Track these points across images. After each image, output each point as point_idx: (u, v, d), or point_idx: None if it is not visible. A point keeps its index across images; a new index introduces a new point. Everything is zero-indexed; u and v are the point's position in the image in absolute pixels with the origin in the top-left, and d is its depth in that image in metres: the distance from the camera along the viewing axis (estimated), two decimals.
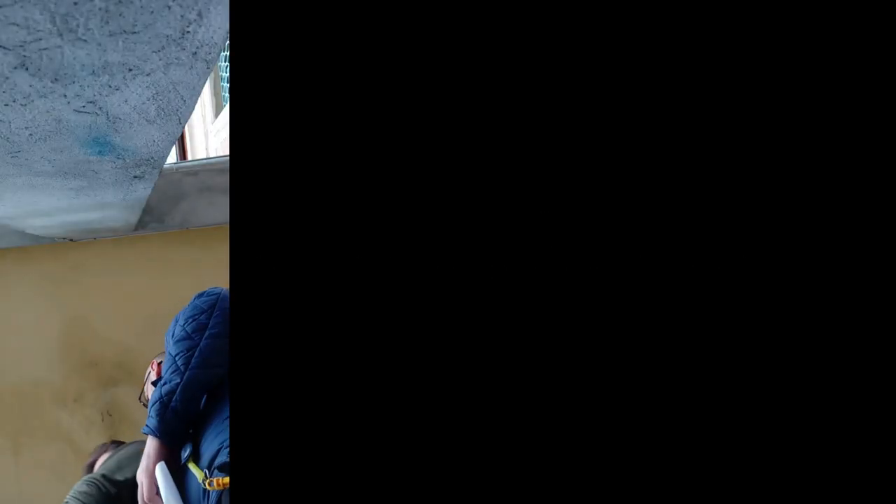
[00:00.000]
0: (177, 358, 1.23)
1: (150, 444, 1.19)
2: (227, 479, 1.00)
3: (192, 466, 1.11)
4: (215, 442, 1.12)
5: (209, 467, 1.07)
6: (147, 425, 1.20)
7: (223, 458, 1.07)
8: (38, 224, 1.49)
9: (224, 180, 2.05)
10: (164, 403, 1.19)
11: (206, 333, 1.23)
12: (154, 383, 1.30)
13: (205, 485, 1.03)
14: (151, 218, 2.04)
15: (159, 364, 1.43)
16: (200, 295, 1.32)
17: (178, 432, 1.20)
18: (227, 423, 1.14)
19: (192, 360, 1.21)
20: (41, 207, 1.19)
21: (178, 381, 1.19)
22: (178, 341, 1.25)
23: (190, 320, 1.27)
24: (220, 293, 1.31)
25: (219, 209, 2.06)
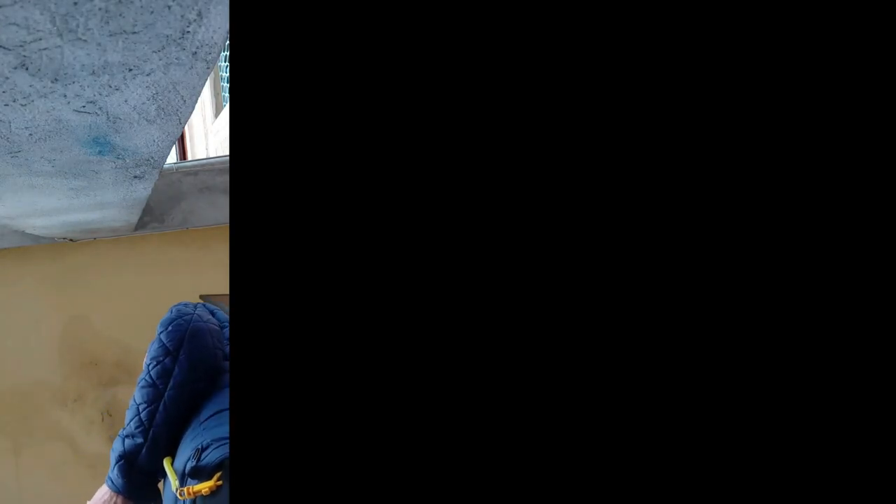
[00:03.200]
0: (140, 409, 1.12)
1: (113, 498, 1.09)
2: (197, 487, 0.94)
3: (168, 468, 1.06)
4: (190, 446, 1.05)
5: (182, 472, 1.01)
6: (110, 479, 1.10)
7: (192, 464, 0.99)
8: (38, 224, 1.49)
9: (224, 180, 2.05)
10: (129, 462, 1.09)
11: (171, 382, 1.13)
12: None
13: (177, 493, 0.97)
14: (151, 218, 2.04)
15: None
16: (167, 323, 1.19)
17: (145, 490, 1.11)
18: (203, 425, 1.07)
19: (157, 417, 1.10)
20: (41, 207, 1.19)
21: (142, 441, 1.09)
22: (142, 388, 1.14)
23: (154, 363, 1.15)
24: (186, 327, 1.18)
25: (219, 209, 2.06)
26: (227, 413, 1.08)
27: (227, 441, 1.01)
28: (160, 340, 1.18)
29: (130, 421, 1.13)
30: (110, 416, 2.26)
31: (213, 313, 1.29)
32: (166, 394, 1.12)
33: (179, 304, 1.26)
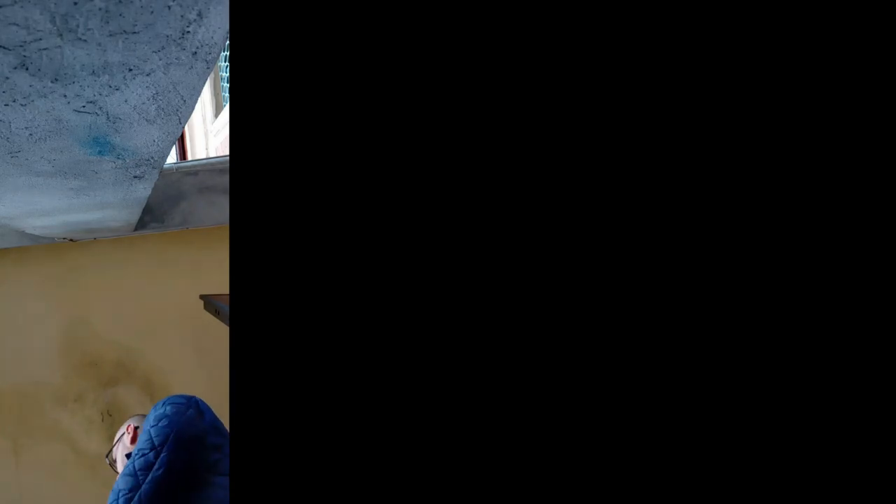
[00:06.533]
0: (120, 495, 1.19)
1: None
2: None
3: None
4: None
5: None
6: None
7: None
8: (38, 224, 1.49)
9: (224, 180, 2.05)
10: None
11: (150, 476, 1.18)
12: (127, 455, 1.27)
13: None
14: (151, 218, 2.04)
15: (136, 428, 1.41)
16: (159, 419, 1.26)
17: None
18: None
19: None
20: (41, 207, 1.19)
21: None
22: (125, 475, 1.21)
23: (139, 455, 1.22)
24: (175, 426, 1.24)
25: (219, 209, 2.07)
26: None
27: None
28: (148, 434, 1.25)
29: (112, 500, 1.20)
30: (110, 416, 2.26)
31: (202, 413, 1.35)
32: (143, 486, 1.19)
33: (175, 398, 1.32)
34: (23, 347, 2.20)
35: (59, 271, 2.20)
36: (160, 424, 1.25)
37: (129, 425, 1.48)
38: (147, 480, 1.18)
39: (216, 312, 1.69)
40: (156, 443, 1.22)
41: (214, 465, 1.28)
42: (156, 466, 1.19)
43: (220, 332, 2.20)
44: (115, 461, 1.44)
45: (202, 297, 1.99)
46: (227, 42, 0.48)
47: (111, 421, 2.27)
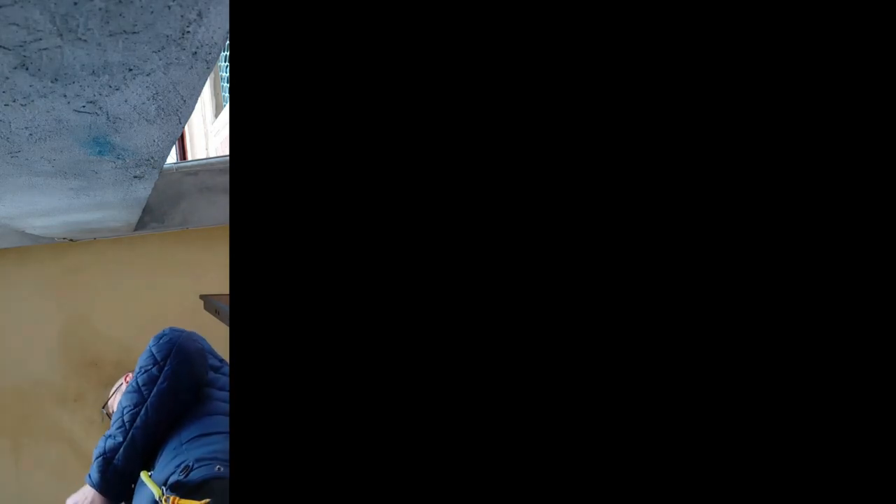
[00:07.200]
0: (124, 412, 1.20)
1: (90, 494, 1.18)
2: (186, 501, 0.99)
3: (146, 479, 1.11)
4: (172, 464, 1.10)
5: (164, 485, 1.06)
6: (90, 476, 1.19)
7: (177, 477, 1.06)
8: (38, 224, 1.49)
9: (224, 180, 2.05)
10: (106, 460, 1.18)
11: (155, 389, 1.19)
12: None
13: (161, 501, 1.02)
14: (151, 218, 2.04)
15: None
16: (159, 338, 1.27)
17: (118, 489, 1.19)
18: (185, 446, 1.12)
19: (137, 420, 1.18)
20: (41, 207, 1.19)
21: (121, 440, 1.18)
22: (128, 392, 1.22)
23: (142, 371, 1.22)
24: (176, 341, 1.26)
25: (219, 209, 2.07)
26: (208, 437, 1.16)
27: (209, 462, 1.08)
28: (150, 351, 1.26)
29: (115, 420, 1.22)
30: (109, 416, 2.26)
31: (200, 341, 1.38)
32: (149, 400, 1.20)
33: (173, 327, 1.35)
34: (23, 347, 2.20)
35: (59, 271, 2.20)
36: (161, 342, 1.26)
37: (126, 375, 1.48)
38: (153, 393, 1.19)
39: (216, 312, 1.69)
40: (158, 357, 1.23)
41: (213, 382, 1.30)
42: (160, 380, 1.21)
43: (220, 332, 2.20)
44: (111, 413, 1.44)
45: (202, 297, 1.99)
46: (227, 42, 0.48)
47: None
